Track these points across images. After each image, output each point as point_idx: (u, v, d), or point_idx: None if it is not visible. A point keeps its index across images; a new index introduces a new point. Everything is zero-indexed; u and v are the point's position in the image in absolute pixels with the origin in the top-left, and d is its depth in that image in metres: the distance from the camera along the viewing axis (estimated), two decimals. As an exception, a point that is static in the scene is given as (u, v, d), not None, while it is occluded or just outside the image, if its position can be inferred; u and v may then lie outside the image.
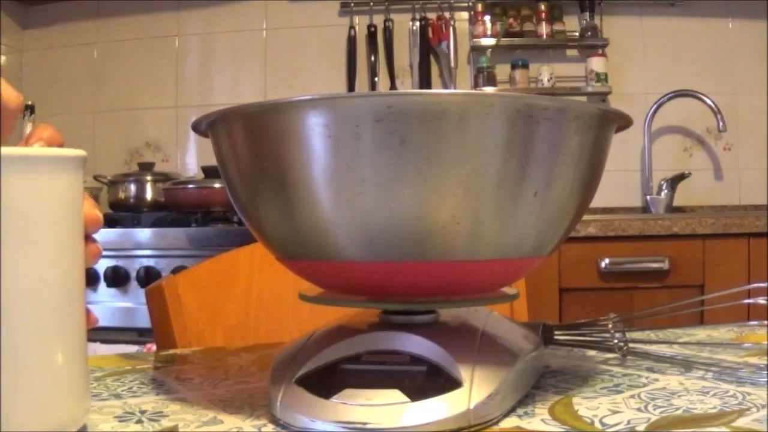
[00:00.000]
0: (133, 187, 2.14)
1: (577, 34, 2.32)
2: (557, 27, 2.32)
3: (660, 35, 2.36)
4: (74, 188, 0.38)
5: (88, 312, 0.40)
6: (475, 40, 2.32)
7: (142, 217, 1.98)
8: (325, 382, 0.44)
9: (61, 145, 0.40)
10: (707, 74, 2.34)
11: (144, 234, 1.80)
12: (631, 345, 0.59)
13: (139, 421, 0.44)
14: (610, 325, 0.59)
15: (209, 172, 2.02)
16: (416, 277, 0.45)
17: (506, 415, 0.44)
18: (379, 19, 2.38)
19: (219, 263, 0.95)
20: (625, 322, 0.60)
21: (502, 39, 2.30)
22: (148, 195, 2.13)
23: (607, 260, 1.74)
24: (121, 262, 1.78)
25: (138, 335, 1.76)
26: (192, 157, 2.45)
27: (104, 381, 0.56)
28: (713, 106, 2.19)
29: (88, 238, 0.40)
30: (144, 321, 1.74)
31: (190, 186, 2.00)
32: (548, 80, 2.29)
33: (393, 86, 2.35)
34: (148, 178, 2.15)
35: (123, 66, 2.47)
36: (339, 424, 0.41)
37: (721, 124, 2.17)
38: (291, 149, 0.43)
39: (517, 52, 2.34)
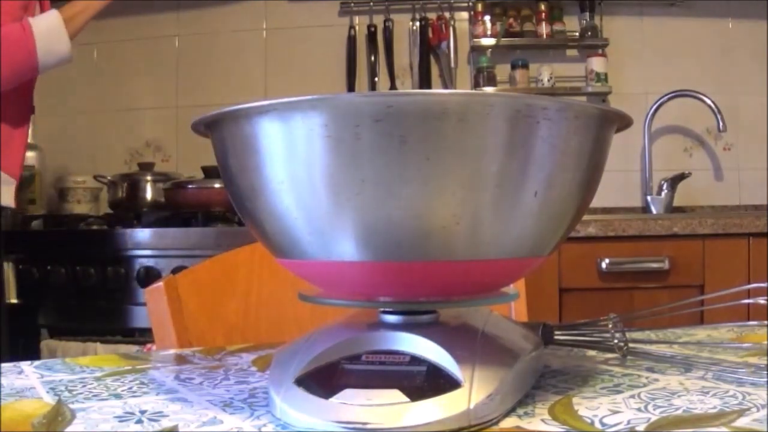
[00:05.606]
0: (133, 187, 2.14)
1: (577, 34, 2.32)
2: (557, 27, 2.32)
3: (660, 35, 2.36)
4: None
5: None
6: (475, 40, 2.32)
7: (142, 217, 1.98)
8: (325, 382, 0.44)
9: None
10: (707, 74, 2.34)
11: (144, 234, 1.80)
12: (631, 345, 0.59)
13: (139, 421, 0.44)
14: (610, 325, 0.59)
15: (209, 172, 2.02)
16: (416, 277, 0.45)
17: (506, 415, 0.44)
18: (379, 19, 2.38)
19: (219, 263, 0.95)
20: (625, 322, 0.60)
21: (502, 39, 2.30)
22: (148, 195, 2.13)
23: (607, 260, 1.74)
24: (121, 262, 1.78)
25: (138, 335, 1.76)
26: (192, 157, 2.44)
27: (104, 381, 0.56)
28: (713, 106, 2.18)
29: None
30: (144, 321, 1.73)
31: (190, 186, 2.00)
32: (548, 80, 2.29)
33: (393, 86, 2.35)
34: (148, 178, 2.14)
35: (123, 66, 2.47)
36: (339, 424, 0.41)
37: (721, 124, 2.17)
38: (291, 149, 0.43)
39: (517, 52, 2.34)
